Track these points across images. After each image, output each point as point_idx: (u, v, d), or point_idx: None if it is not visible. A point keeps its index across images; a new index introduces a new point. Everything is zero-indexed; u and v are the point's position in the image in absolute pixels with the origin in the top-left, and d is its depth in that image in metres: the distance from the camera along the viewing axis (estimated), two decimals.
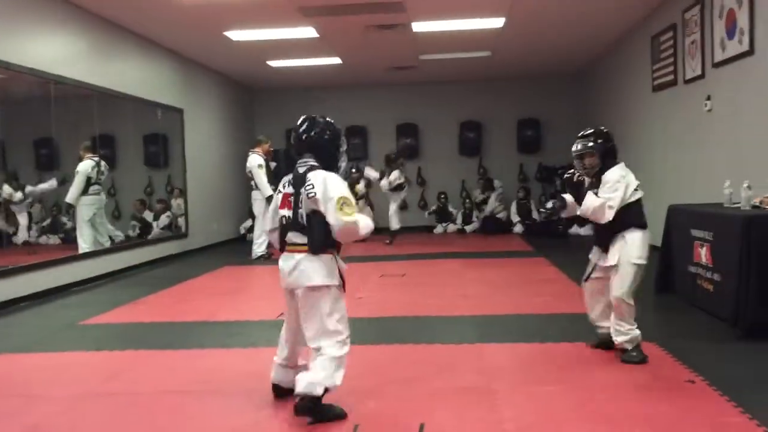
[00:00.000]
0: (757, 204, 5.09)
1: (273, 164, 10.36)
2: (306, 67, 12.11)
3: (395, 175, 11.82)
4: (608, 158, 4.23)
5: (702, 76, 7.51)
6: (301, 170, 3.36)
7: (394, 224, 11.78)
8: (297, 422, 3.32)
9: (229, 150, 12.96)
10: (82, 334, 5.46)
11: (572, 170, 4.48)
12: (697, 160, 7.75)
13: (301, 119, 3.53)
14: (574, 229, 12.23)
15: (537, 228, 12.78)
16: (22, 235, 8.30)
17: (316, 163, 3.37)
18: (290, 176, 3.41)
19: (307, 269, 3.27)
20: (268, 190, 9.74)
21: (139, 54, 9.61)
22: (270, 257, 9.92)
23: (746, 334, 4.53)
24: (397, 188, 11.89)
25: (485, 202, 13.65)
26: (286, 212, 3.38)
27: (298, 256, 3.30)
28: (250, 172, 9.85)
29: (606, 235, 4.18)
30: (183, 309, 6.41)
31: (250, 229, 11.52)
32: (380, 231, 12.53)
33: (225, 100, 13.06)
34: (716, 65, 7.10)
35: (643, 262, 4.10)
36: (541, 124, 14.19)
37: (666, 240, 6.20)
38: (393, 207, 11.87)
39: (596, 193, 4.15)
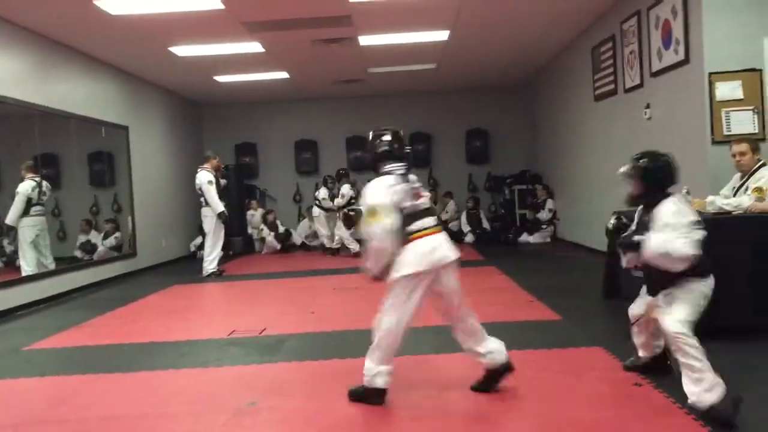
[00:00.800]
0: (699, 210, 5.24)
1: (223, 181, 10.28)
2: (253, 82, 12.05)
3: (347, 188, 11.74)
4: (653, 188, 3.70)
5: (641, 85, 7.74)
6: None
7: (354, 246, 11.42)
8: None
9: (177, 167, 12.79)
10: (26, 360, 5.30)
11: (618, 218, 4.26)
12: None
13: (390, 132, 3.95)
14: (524, 238, 12.42)
15: (487, 237, 12.93)
16: None
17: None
18: (410, 175, 3.82)
19: (451, 245, 3.79)
20: (219, 206, 9.65)
21: (82, 71, 9.42)
22: (221, 274, 9.81)
23: None
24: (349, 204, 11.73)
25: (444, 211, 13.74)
26: (424, 202, 3.80)
27: (439, 235, 3.74)
28: (200, 188, 9.75)
29: (659, 282, 3.61)
30: (131, 330, 6.28)
31: (201, 247, 11.36)
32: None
33: (172, 116, 12.89)
34: (654, 74, 7.33)
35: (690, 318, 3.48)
36: (490, 134, 14.39)
37: (611, 246, 6.32)
38: (345, 231, 11.55)
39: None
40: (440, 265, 3.66)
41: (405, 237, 3.65)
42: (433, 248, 3.65)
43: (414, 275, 3.61)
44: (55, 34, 8.40)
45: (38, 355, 5.48)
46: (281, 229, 13.48)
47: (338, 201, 11.71)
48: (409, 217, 3.67)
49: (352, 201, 11.75)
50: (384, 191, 3.66)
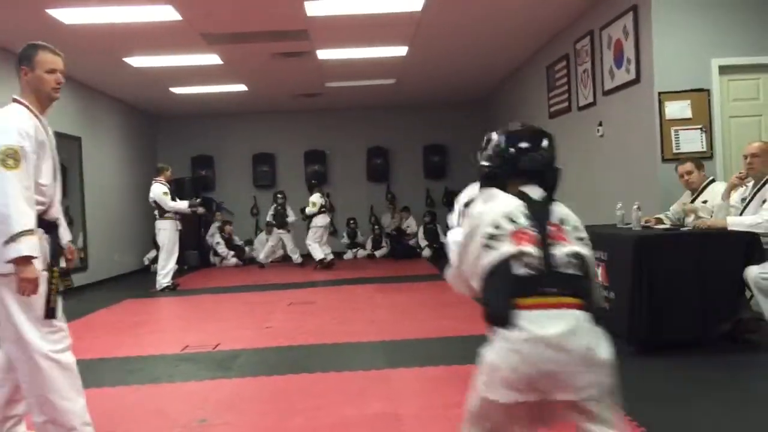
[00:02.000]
0: (646, 224, 5.37)
1: (201, 210, 10.34)
2: (211, 94, 11.94)
3: (317, 197, 11.75)
4: None
5: (594, 104, 7.89)
6: None
7: (318, 254, 11.60)
8: None
9: (132, 179, 12.57)
10: None
11: None
12: (592, 183, 8.11)
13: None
14: None
15: (444, 251, 12.98)
16: None
17: None
18: None
19: None
20: (183, 207, 9.62)
21: None
22: (175, 288, 9.65)
23: (640, 350, 4.73)
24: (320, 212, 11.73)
25: (399, 228, 13.79)
26: None
27: None
28: (155, 201, 9.61)
29: None
30: (79, 346, 6.01)
31: (154, 260, 11.16)
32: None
33: (126, 127, 12.69)
34: (606, 93, 7.48)
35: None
36: (447, 150, 14.50)
37: None
38: (310, 237, 11.68)
39: None
40: None
41: None
42: None
43: None
44: (5, 42, 8.19)
45: None
46: (238, 242, 13.38)
47: (309, 209, 11.74)
48: None
49: (323, 209, 11.73)
50: None
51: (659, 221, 5.54)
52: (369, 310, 7.34)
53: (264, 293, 9.08)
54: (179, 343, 5.84)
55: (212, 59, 9.31)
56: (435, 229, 13.53)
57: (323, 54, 9.32)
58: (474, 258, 2.18)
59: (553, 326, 2.00)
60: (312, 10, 7.28)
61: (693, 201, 5.52)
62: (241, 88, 11.50)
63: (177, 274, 10.13)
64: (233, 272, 12.09)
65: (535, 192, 2.24)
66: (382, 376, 4.57)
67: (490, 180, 2.37)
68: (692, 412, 3.57)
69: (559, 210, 2.21)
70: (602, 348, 2.05)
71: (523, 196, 2.21)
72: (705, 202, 5.41)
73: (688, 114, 6.37)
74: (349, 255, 13.72)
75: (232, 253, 13.16)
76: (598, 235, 5.71)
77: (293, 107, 13.80)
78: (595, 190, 7.97)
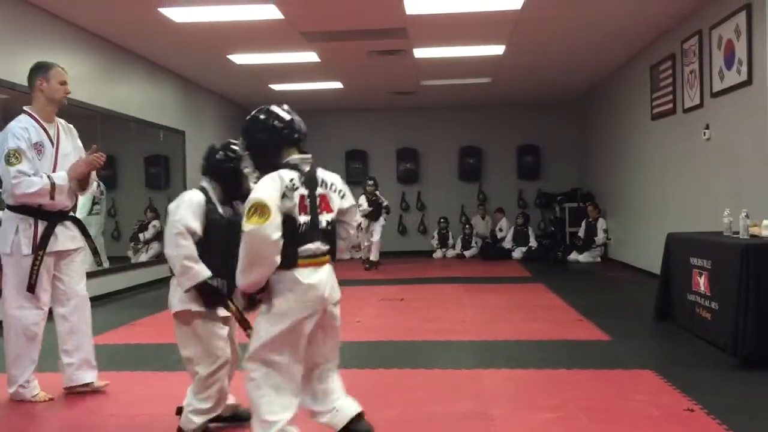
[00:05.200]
0: (757, 234, 5.11)
1: None
2: (307, 91, 12.20)
3: (360, 200, 11.61)
4: None
5: (701, 106, 7.58)
6: (307, 168, 2.97)
7: (375, 254, 11.50)
8: None
9: None
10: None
11: None
12: (696, 189, 7.79)
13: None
14: (573, 256, 12.24)
15: (534, 254, 12.79)
16: None
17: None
18: (295, 174, 2.88)
19: (335, 282, 2.95)
20: None
21: (142, 76, 9.68)
22: None
23: (744, 363, 4.52)
24: (369, 215, 11.31)
25: (493, 234, 13.73)
26: (304, 218, 2.84)
27: (327, 267, 2.93)
28: None
29: None
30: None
31: None
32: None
33: (226, 122, 13.13)
34: (715, 95, 7.17)
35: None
36: (541, 150, 14.27)
37: (665, 268, 6.20)
38: (375, 237, 11.48)
39: None
40: (320, 308, 2.90)
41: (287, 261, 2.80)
42: (317, 284, 2.84)
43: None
44: (119, 39, 8.66)
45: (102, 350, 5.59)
46: None
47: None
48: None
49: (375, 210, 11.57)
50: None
51: None
52: (457, 310, 7.32)
53: (353, 288, 9.15)
54: None
55: (310, 57, 9.52)
56: (526, 231, 13.34)
57: (420, 52, 9.35)
58: None
59: None
60: (411, 8, 7.32)
61: None
62: (337, 85, 11.69)
63: None
64: None
65: None
66: (472, 376, 4.55)
67: None
68: None
69: None
70: None
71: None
72: None
73: None
74: (438, 254, 13.72)
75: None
76: (702, 243, 5.50)
77: (387, 105, 13.91)
78: (700, 197, 7.66)
